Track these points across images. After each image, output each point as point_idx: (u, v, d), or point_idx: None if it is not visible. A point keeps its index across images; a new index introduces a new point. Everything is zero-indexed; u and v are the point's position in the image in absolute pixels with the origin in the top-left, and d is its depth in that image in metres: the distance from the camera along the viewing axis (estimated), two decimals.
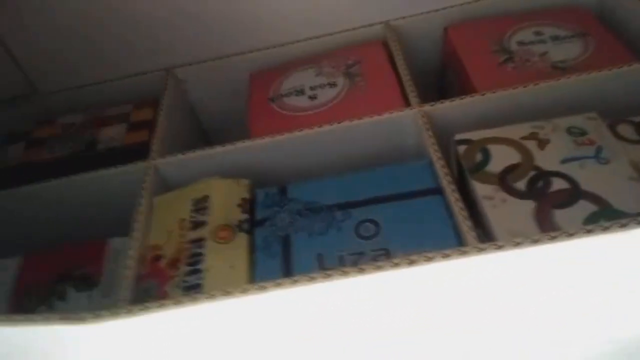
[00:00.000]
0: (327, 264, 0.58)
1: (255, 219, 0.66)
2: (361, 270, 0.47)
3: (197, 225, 0.65)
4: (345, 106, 0.77)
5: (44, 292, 0.66)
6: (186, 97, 0.95)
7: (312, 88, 0.81)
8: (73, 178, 0.75)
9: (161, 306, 0.49)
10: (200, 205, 0.67)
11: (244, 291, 0.48)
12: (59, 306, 0.64)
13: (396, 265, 0.47)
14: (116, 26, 0.86)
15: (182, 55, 0.91)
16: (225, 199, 0.68)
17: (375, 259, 0.58)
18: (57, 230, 0.76)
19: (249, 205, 0.67)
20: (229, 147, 0.73)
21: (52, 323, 0.47)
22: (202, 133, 1.01)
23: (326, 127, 0.72)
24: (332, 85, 0.81)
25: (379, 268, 0.47)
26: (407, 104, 0.74)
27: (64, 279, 0.67)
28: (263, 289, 0.48)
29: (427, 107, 0.72)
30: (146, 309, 0.49)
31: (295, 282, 0.48)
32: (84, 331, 0.48)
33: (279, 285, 0.48)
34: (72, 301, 0.64)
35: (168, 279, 0.60)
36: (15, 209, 0.77)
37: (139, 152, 0.77)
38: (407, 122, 0.72)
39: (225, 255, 0.61)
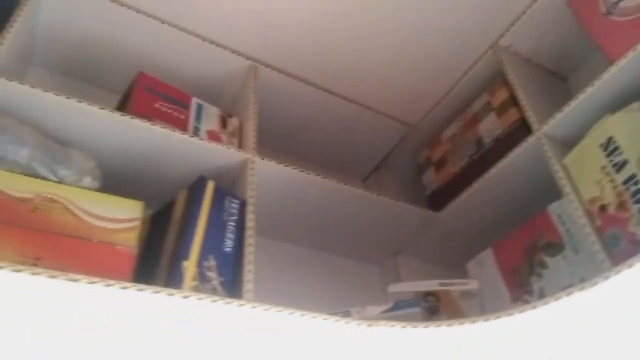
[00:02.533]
0: None
1: None
2: None
3: (620, 166, 0.70)
4: None
5: (527, 267, 0.83)
6: (522, 56, 1.00)
7: None
8: (485, 176, 0.92)
9: None
10: (610, 147, 0.72)
11: None
12: (545, 273, 0.80)
13: None
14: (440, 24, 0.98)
15: (497, 24, 0.97)
16: (629, 131, 0.71)
17: None
18: (500, 218, 0.94)
19: None
20: (596, 83, 0.76)
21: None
22: (554, 76, 1.05)
23: None
24: None
25: None
26: None
27: (533, 251, 0.83)
28: None
29: None
30: None
31: None
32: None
33: None
34: (553, 265, 0.79)
35: (626, 221, 0.67)
36: (459, 219, 0.99)
37: (520, 129, 0.88)
38: None
39: None
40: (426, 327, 0.62)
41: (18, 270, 0.47)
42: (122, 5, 0.86)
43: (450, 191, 0.99)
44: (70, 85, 0.92)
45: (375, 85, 1.08)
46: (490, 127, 0.96)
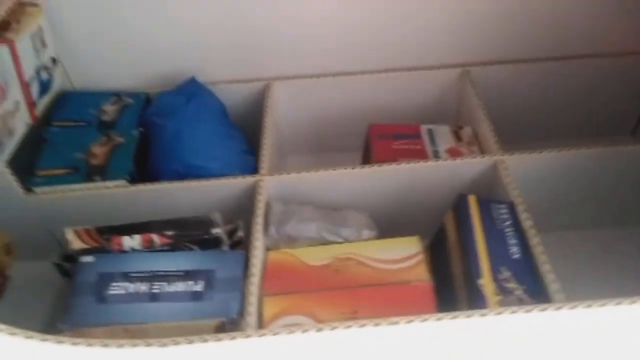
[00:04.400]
0: None
1: None
2: None
3: None
4: None
5: None
6: None
7: None
8: None
9: None
10: None
11: None
12: None
13: None
14: None
15: None
16: None
17: None
18: None
19: None
20: None
21: None
22: None
23: None
24: None
25: None
26: None
27: None
28: None
29: None
30: None
31: None
32: None
33: None
34: None
35: None
36: None
37: None
38: None
39: None
40: None
41: (348, 327, 0.54)
42: (336, 76, 0.96)
43: None
44: (316, 160, 1.05)
45: (605, 28, 0.94)
46: None
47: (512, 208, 0.71)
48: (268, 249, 0.73)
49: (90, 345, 0.54)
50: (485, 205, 0.71)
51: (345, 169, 0.80)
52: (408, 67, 0.96)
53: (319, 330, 0.54)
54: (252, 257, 0.69)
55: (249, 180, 0.80)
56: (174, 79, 0.96)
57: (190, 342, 0.54)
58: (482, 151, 0.85)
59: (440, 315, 0.54)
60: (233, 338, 0.55)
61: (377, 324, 0.53)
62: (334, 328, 0.54)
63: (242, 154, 0.87)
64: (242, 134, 0.92)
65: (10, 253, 0.73)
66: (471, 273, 0.64)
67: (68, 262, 0.70)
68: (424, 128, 0.90)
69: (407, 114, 0.97)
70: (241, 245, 0.71)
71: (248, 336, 0.55)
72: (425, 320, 0.53)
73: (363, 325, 0.54)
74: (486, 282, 0.62)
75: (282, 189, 0.80)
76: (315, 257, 0.71)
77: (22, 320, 0.66)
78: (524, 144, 0.84)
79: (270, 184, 0.79)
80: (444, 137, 0.89)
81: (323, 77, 0.96)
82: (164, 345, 0.54)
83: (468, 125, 0.91)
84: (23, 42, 0.83)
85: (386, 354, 0.59)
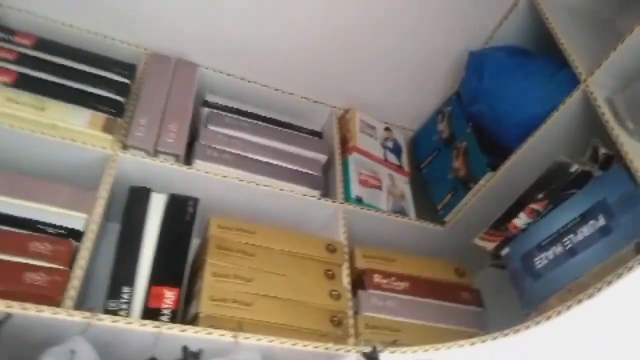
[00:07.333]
0: None
1: None
2: None
3: None
4: None
5: None
6: None
7: None
8: None
9: None
10: None
11: None
12: None
13: None
14: None
15: None
16: None
17: None
18: None
19: None
20: None
21: None
22: None
23: None
24: None
25: None
26: None
27: None
28: None
29: None
30: None
31: None
32: None
33: None
34: None
35: None
36: None
37: None
38: None
39: None
40: None
41: None
42: None
43: None
44: None
45: None
46: None
47: None
48: None
49: (549, 318, 0.61)
50: None
51: None
52: None
53: None
54: (633, 162, 0.62)
55: (577, 94, 0.73)
56: (461, 63, 1.00)
57: (619, 276, 0.54)
58: None
59: None
60: None
61: None
62: None
63: (555, 75, 0.81)
64: (540, 58, 0.86)
65: (463, 275, 0.90)
66: None
67: (498, 260, 0.81)
68: None
69: None
70: (613, 158, 0.65)
71: None
72: None
73: None
74: None
75: (615, 71, 0.70)
76: None
77: (506, 318, 0.79)
78: None
79: (600, 79, 0.71)
80: None
81: None
82: (599, 290, 0.56)
83: None
84: (363, 139, 1.06)
85: None
